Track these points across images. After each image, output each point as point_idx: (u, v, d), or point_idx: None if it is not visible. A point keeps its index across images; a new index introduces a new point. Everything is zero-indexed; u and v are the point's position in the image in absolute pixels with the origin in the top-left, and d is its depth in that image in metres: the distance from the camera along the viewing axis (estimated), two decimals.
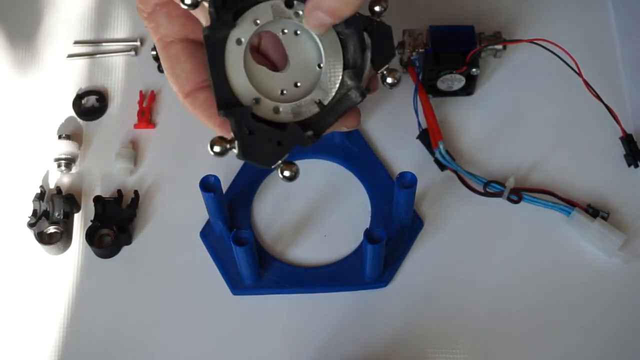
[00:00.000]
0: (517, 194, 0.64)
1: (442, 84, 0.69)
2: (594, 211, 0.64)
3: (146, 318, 0.63)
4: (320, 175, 0.68)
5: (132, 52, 0.73)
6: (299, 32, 0.48)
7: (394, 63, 0.71)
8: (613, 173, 0.67)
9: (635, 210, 0.66)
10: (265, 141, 0.46)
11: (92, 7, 0.75)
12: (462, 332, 0.62)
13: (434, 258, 0.65)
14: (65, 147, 0.67)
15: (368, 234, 0.58)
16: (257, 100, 0.47)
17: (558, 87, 0.70)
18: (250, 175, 0.67)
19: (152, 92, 0.71)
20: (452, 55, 0.67)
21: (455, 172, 0.66)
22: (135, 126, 0.70)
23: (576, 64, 0.65)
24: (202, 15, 0.46)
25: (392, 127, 0.69)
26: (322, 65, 0.49)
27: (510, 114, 0.70)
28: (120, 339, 0.62)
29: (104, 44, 0.74)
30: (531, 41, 0.66)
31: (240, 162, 0.67)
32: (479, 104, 0.71)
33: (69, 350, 0.62)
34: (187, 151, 0.69)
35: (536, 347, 0.61)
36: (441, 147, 0.66)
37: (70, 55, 0.73)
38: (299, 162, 0.68)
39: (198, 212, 0.64)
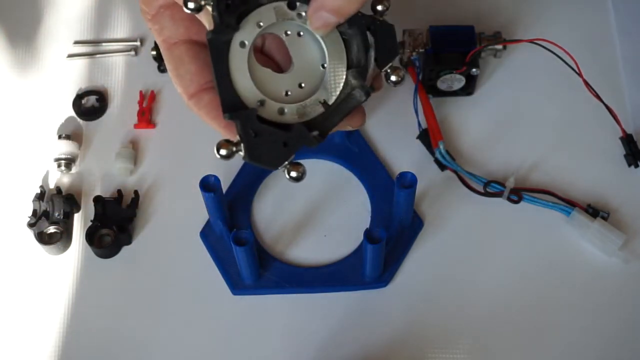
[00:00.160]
0: (517, 194, 0.64)
1: (442, 84, 0.69)
2: (594, 211, 0.65)
3: (146, 318, 0.63)
4: (320, 175, 0.68)
5: (132, 52, 0.73)
6: (302, 33, 0.49)
7: (395, 63, 0.71)
8: (613, 173, 0.67)
9: (635, 210, 0.66)
10: (271, 143, 0.46)
11: (92, 7, 0.75)
12: (462, 332, 0.62)
13: (434, 258, 0.65)
14: (65, 147, 0.67)
15: (368, 234, 0.58)
16: (262, 102, 0.47)
17: (558, 87, 0.70)
18: (250, 175, 0.67)
19: (152, 92, 0.71)
20: (452, 55, 0.67)
21: (455, 172, 0.66)
22: (135, 126, 0.70)
23: (576, 64, 0.65)
24: (206, 19, 0.46)
25: (392, 127, 0.69)
26: (325, 65, 0.49)
27: (510, 114, 0.70)
28: (120, 339, 0.62)
29: (104, 44, 0.74)
30: (531, 41, 0.66)
31: (241, 162, 0.67)
32: (479, 104, 0.71)
33: (69, 350, 0.62)
34: (187, 151, 0.69)
35: (536, 347, 0.61)
36: (441, 147, 0.66)
37: (70, 55, 0.73)
38: None
39: (198, 212, 0.64)
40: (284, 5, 0.48)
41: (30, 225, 0.65)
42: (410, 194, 0.61)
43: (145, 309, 0.63)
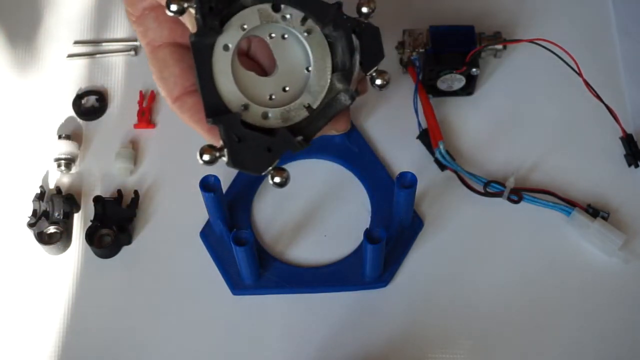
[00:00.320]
0: (517, 194, 0.64)
1: (442, 84, 0.69)
2: (594, 211, 0.64)
3: (146, 318, 0.63)
4: (320, 175, 0.68)
5: (132, 52, 0.73)
6: (286, 35, 0.48)
7: (395, 63, 0.71)
8: (613, 173, 0.67)
9: (635, 210, 0.66)
10: (255, 148, 0.46)
11: (92, 7, 0.75)
12: (462, 332, 0.62)
13: (434, 258, 0.65)
14: (65, 147, 0.67)
15: (368, 234, 0.58)
16: (245, 107, 0.46)
17: (558, 87, 0.70)
18: (251, 175, 0.67)
19: (152, 92, 0.71)
20: (452, 55, 0.67)
21: (455, 172, 0.66)
22: (135, 126, 0.70)
23: (576, 64, 0.65)
24: (189, 22, 0.46)
25: (392, 127, 0.69)
26: (310, 68, 0.48)
27: (510, 114, 0.70)
28: (120, 339, 0.62)
29: (104, 44, 0.74)
30: (531, 41, 0.66)
31: None
32: (479, 104, 0.70)
33: (69, 350, 0.62)
34: (187, 151, 0.68)
35: (536, 347, 0.61)
36: (441, 147, 0.66)
37: (70, 55, 0.73)
38: (299, 162, 0.69)
39: (198, 212, 0.64)
40: (268, 7, 0.47)
41: (30, 225, 0.65)
42: (410, 194, 0.61)
43: (145, 309, 0.63)
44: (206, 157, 0.45)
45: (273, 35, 0.48)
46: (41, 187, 0.67)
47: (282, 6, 0.47)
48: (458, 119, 0.70)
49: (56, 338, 0.62)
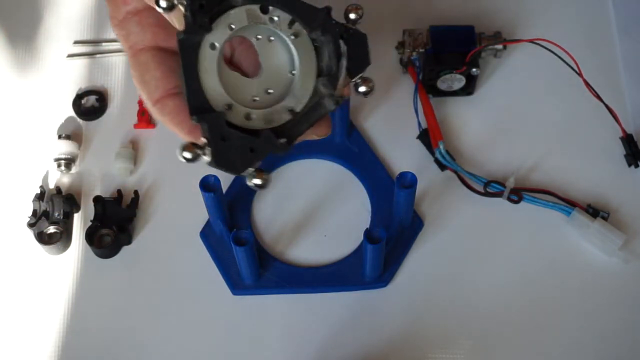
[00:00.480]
0: (517, 194, 0.64)
1: (442, 84, 0.69)
2: (594, 211, 0.64)
3: (146, 318, 0.63)
4: (320, 175, 0.68)
5: None
6: (272, 38, 0.48)
7: (395, 63, 0.71)
8: (613, 173, 0.67)
9: (635, 210, 0.66)
10: (238, 148, 0.45)
11: (92, 7, 0.75)
12: (462, 332, 0.62)
13: (434, 258, 0.65)
14: (65, 147, 0.67)
15: (368, 234, 0.58)
16: (229, 106, 0.46)
17: (558, 87, 0.70)
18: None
19: None
20: (452, 55, 0.67)
21: (456, 172, 0.66)
22: (135, 126, 0.70)
23: (576, 64, 0.65)
24: (177, 19, 0.46)
25: (392, 127, 0.69)
26: (295, 72, 0.48)
27: (511, 113, 0.70)
28: (120, 339, 0.62)
29: (103, 44, 0.74)
30: (531, 41, 0.66)
31: None
32: (479, 104, 0.70)
33: (69, 350, 0.62)
34: None
35: (536, 347, 0.61)
36: (441, 147, 0.66)
37: (70, 55, 0.73)
38: (299, 162, 0.69)
39: (198, 212, 0.64)
40: (256, 8, 0.47)
41: (30, 225, 0.65)
42: (410, 194, 0.61)
43: (145, 309, 0.63)
44: (187, 154, 0.45)
45: (259, 36, 0.48)
46: (41, 187, 0.67)
47: (271, 8, 0.47)
48: (458, 119, 0.70)
49: (56, 338, 0.62)
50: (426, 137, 0.68)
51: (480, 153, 0.68)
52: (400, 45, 0.69)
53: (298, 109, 0.47)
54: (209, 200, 0.61)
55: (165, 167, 0.68)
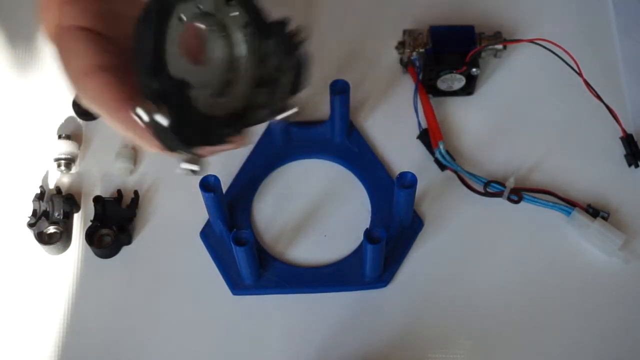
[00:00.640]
0: (517, 194, 0.64)
1: (442, 84, 0.69)
2: (594, 211, 0.64)
3: (146, 318, 0.63)
4: (320, 175, 0.68)
5: None
6: (224, 34, 0.48)
7: (395, 63, 0.71)
8: (613, 173, 0.67)
9: (635, 210, 0.66)
10: (191, 123, 0.45)
11: None
12: (462, 332, 0.62)
13: (434, 258, 0.65)
14: (65, 147, 0.67)
15: (368, 234, 0.58)
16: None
17: (558, 87, 0.70)
18: (250, 175, 0.67)
19: None
20: (452, 55, 0.67)
21: (456, 172, 0.66)
22: None
23: (576, 63, 0.65)
24: None
25: (392, 127, 0.69)
26: (234, 73, 0.48)
27: (510, 114, 0.70)
28: (120, 339, 0.62)
29: None
30: (531, 41, 0.66)
31: (241, 162, 0.67)
32: (479, 104, 0.70)
33: (69, 350, 0.62)
34: None
35: (536, 347, 0.61)
36: (441, 147, 0.66)
37: None
38: (299, 162, 0.69)
39: (198, 212, 0.64)
40: None
41: (30, 225, 0.65)
42: (410, 194, 0.61)
43: (145, 309, 0.63)
44: (141, 112, 0.43)
45: (213, 29, 0.48)
46: (41, 187, 0.67)
47: (233, 2, 0.47)
48: (458, 119, 0.70)
49: (56, 338, 0.62)
50: (426, 137, 0.68)
51: (480, 153, 0.68)
52: (401, 45, 0.69)
53: (230, 111, 0.47)
54: (209, 200, 0.61)
55: (165, 167, 0.68)
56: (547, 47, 0.66)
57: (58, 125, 0.70)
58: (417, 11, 0.74)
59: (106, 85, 0.46)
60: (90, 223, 0.65)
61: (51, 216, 0.65)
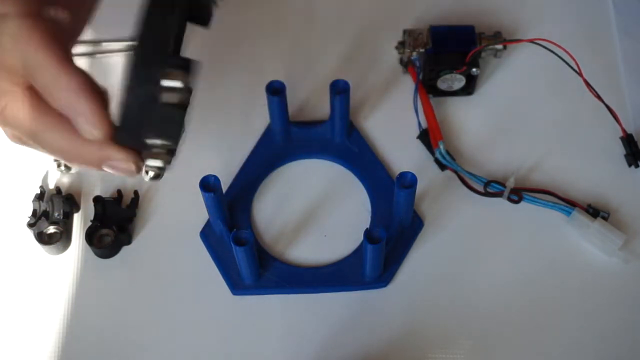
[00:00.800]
0: (517, 194, 0.64)
1: (442, 84, 0.69)
2: (594, 211, 0.64)
3: (146, 318, 0.63)
4: (320, 175, 0.68)
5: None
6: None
7: (395, 63, 0.71)
8: (613, 173, 0.67)
9: (636, 210, 0.66)
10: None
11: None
12: (462, 332, 0.62)
13: (434, 258, 0.65)
14: None
15: (368, 234, 0.58)
16: None
17: (558, 87, 0.70)
18: (250, 175, 0.67)
19: None
20: (452, 55, 0.67)
21: (456, 172, 0.66)
22: None
23: (576, 63, 0.65)
24: None
25: (392, 127, 0.69)
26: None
27: (510, 114, 0.70)
28: (120, 339, 0.62)
29: (103, 44, 0.74)
30: (531, 41, 0.66)
31: (240, 162, 0.67)
32: (479, 104, 0.71)
33: (69, 350, 0.62)
34: (187, 151, 0.68)
35: (536, 347, 0.61)
36: (441, 147, 0.66)
37: None
38: (299, 162, 0.69)
39: (198, 212, 0.64)
40: None
41: (30, 225, 0.65)
42: (410, 194, 0.61)
43: (145, 309, 0.63)
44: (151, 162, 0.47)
45: None
46: (41, 187, 0.67)
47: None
48: (458, 119, 0.70)
49: (56, 338, 0.62)
50: (426, 137, 0.68)
51: (480, 153, 0.68)
52: (401, 45, 0.69)
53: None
54: (209, 200, 0.61)
55: (165, 167, 0.68)
56: (547, 47, 0.66)
57: None
58: (417, 11, 0.74)
59: (50, 29, 0.46)
60: (90, 223, 0.65)
61: (51, 216, 0.65)
